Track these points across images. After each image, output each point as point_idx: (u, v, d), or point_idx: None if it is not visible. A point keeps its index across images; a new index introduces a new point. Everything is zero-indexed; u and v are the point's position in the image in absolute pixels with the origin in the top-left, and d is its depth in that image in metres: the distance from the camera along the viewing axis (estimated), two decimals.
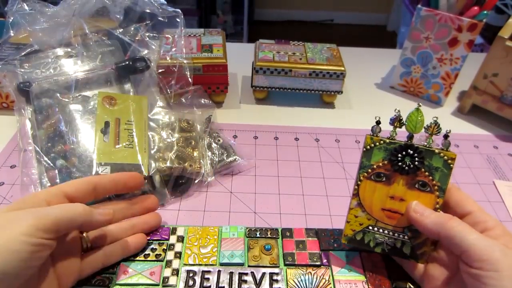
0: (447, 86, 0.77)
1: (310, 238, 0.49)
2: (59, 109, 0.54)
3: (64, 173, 0.50)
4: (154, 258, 0.45)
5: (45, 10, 0.58)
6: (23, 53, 0.58)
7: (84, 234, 0.41)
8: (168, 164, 0.53)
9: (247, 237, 0.49)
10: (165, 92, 0.64)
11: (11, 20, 0.58)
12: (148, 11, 0.61)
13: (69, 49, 0.60)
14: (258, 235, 0.49)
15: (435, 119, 0.37)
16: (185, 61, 0.64)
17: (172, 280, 0.44)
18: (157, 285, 0.43)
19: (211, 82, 0.70)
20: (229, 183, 0.58)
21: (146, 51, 0.64)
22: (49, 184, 0.50)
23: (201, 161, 0.55)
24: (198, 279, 0.44)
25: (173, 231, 0.49)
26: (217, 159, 0.58)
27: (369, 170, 0.38)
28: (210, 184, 0.57)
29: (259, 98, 0.77)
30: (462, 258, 0.34)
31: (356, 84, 0.85)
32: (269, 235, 0.49)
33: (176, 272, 0.44)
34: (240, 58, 0.85)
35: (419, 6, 0.73)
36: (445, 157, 0.37)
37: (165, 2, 0.62)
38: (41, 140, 0.53)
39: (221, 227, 0.50)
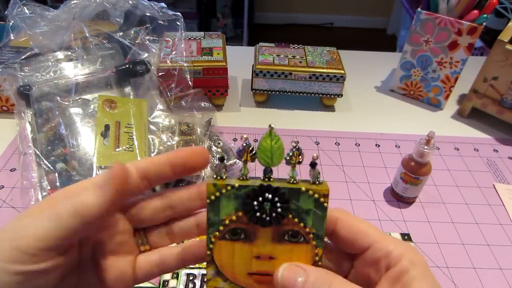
0: (447, 90, 0.77)
1: None
2: (59, 112, 0.54)
3: (64, 177, 0.50)
4: None
5: (45, 13, 0.58)
6: (23, 57, 0.58)
7: (139, 231, 0.30)
8: None
9: None
10: (165, 95, 0.64)
11: (11, 24, 0.58)
12: (148, 14, 0.61)
13: (69, 53, 0.60)
14: None
15: (294, 144, 0.28)
16: (185, 64, 0.65)
17: (172, 283, 0.43)
18: None
19: (211, 85, 0.70)
20: None
21: (146, 54, 0.64)
22: (49, 187, 0.50)
23: None
24: (198, 282, 0.44)
25: None
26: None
27: (221, 228, 0.28)
28: None
29: (259, 101, 0.77)
30: None
31: (356, 87, 0.85)
32: None
33: (176, 275, 0.44)
34: (240, 61, 0.85)
35: (419, 9, 0.73)
36: (316, 195, 0.27)
37: (165, 6, 0.62)
38: (41, 143, 0.53)
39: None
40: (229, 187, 0.27)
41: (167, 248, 0.31)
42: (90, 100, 0.57)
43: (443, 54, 0.74)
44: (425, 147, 0.52)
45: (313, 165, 0.28)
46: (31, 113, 0.55)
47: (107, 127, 0.53)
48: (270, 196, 0.27)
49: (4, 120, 0.67)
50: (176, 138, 0.57)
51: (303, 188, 0.27)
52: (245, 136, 0.27)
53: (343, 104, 0.79)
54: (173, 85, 0.64)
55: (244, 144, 0.27)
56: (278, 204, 0.27)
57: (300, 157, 0.28)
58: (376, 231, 0.28)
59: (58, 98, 0.55)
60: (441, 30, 0.72)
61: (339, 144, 0.69)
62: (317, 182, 0.28)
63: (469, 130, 0.75)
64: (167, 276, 0.44)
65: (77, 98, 0.56)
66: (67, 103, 0.55)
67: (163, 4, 0.62)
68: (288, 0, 3.05)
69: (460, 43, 0.71)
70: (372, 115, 0.77)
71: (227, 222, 0.28)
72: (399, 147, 0.69)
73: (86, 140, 0.53)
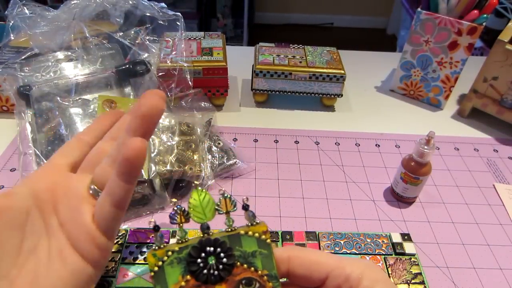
0: (447, 90, 0.77)
1: (310, 241, 0.49)
2: (59, 112, 0.54)
3: None
4: None
5: (45, 13, 0.58)
6: (23, 57, 0.58)
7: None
8: (168, 167, 0.53)
9: None
10: (165, 95, 0.64)
11: (11, 24, 0.58)
12: (148, 14, 0.61)
13: (69, 53, 0.60)
14: None
15: (222, 192, 0.29)
16: (185, 64, 0.65)
17: None
18: None
19: (211, 85, 0.70)
20: (229, 186, 0.58)
21: (146, 55, 0.64)
22: None
23: (201, 164, 0.55)
24: None
25: (173, 234, 0.49)
26: (217, 162, 0.58)
27: None
28: (210, 188, 0.57)
29: (259, 101, 0.77)
30: None
31: (356, 87, 0.85)
32: None
33: None
34: (240, 61, 0.85)
35: (419, 9, 0.73)
36: (256, 235, 0.28)
37: (165, 6, 0.62)
38: (41, 143, 0.53)
39: (221, 230, 0.49)
40: (169, 253, 0.27)
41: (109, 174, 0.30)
42: (90, 100, 0.57)
43: (443, 54, 0.74)
44: (425, 147, 0.52)
45: (245, 207, 0.28)
46: (31, 113, 0.55)
47: None
48: (212, 249, 0.27)
49: (4, 120, 0.67)
50: (176, 138, 0.57)
51: (242, 232, 0.28)
52: (174, 200, 0.27)
53: (343, 104, 0.79)
54: (173, 85, 0.64)
55: (176, 208, 0.27)
56: (222, 255, 0.27)
57: (231, 204, 0.28)
58: (330, 258, 0.28)
59: (58, 98, 0.55)
60: (441, 30, 0.72)
61: (339, 144, 0.69)
62: (254, 224, 0.28)
63: (469, 130, 0.75)
64: None
65: (77, 98, 0.56)
66: (67, 103, 0.55)
67: (163, 4, 0.62)
68: (288, 0, 3.05)
69: (460, 43, 0.71)
70: (372, 115, 0.77)
71: None
72: (399, 147, 0.69)
73: None
